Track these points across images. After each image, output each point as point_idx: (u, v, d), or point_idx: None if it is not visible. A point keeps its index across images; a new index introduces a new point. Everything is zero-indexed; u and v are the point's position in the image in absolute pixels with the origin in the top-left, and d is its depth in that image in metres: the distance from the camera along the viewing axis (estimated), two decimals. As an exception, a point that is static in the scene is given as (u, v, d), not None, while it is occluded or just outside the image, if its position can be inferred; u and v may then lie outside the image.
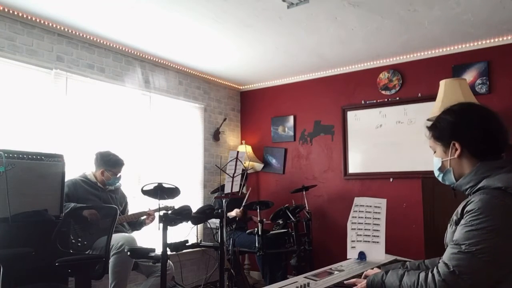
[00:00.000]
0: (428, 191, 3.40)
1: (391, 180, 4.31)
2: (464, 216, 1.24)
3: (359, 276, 1.74)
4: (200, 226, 4.61)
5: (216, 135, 5.11)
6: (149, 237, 3.66)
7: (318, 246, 4.49)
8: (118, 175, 3.33)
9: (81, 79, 3.63)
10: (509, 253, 1.16)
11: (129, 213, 3.49)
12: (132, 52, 4.08)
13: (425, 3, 3.07)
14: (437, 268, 1.22)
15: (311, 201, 4.59)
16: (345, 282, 1.62)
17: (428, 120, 1.53)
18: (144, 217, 3.43)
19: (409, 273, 1.29)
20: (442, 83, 3.48)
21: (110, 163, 3.27)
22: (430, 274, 1.22)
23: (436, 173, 1.47)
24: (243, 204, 3.97)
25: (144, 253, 2.65)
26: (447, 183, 1.45)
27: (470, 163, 1.35)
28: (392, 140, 4.30)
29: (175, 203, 3.22)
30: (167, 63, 4.46)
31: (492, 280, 1.18)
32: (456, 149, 1.36)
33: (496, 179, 1.24)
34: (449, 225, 1.35)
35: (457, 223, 1.29)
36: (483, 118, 1.35)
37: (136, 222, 3.43)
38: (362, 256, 2.15)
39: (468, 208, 1.24)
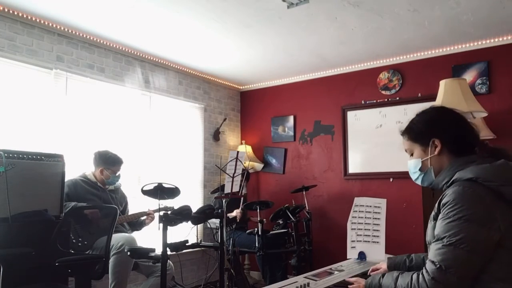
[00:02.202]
0: (428, 191, 3.38)
1: (391, 180, 4.31)
2: (441, 210, 1.28)
3: (360, 275, 1.75)
4: (200, 226, 4.61)
5: (216, 135, 5.11)
6: (149, 237, 3.65)
7: (318, 246, 4.48)
8: (117, 174, 3.32)
9: (81, 79, 3.63)
10: (487, 240, 1.20)
11: (130, 213, 3.50)
12: (132, 52, 4.08)
13: (425, 3, 3.07)
14: (426, 268, 1.24)
15: (311, 201, 4.59)
16: (346, 279, 1.63)
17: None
18: (145, 217, 3.43)
19: (403, 275, 1.33)
20: (442, 83, 3.47)
21: (109, 161, 3.27)
22: (420, 275, 1.25)
23: (415, 176, 1.50)
24: (241, 204, 3.97)
25: (144, 253, 2.65)
26: (425, 184, 1.49)
27: (448, 160, 1.40)
28: (392, 140, 4.29)
29: (175, 203, 3.22)
30: (167, 63, 4.46)
31: (476, 269, 1.21)
32: (436, 146, 1.41)
33: (468, 171, 1.29)
34: (429, 221, 1.38)
35: (435, 218, 1.33)
36: (457, 117, 1.43)
37: (136, 222, 3.43)
38: (362, 256, 2.15)
39: (443, 201, 1.28)
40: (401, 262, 1.67)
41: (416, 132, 1.47)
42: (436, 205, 1.33)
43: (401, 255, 1.74)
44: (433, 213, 1.35)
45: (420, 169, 1.46)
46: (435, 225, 1.30)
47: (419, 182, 1.50)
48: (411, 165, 1.49)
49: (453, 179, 1.32)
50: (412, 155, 1.50)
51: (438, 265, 1.21)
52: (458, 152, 1.38)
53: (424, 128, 1.45)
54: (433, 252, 1.25)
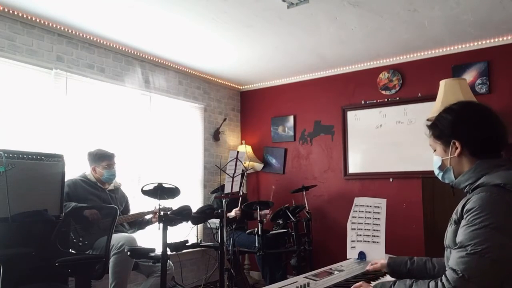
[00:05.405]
0: (428, 191, 3.40)
1: (391, 180, 4.31)
2: (465, 216, 1.23)
3: (360, 275, 1.75)
4: (200, 226, 4.61)
5: (216, 135, 5.11)
6: (149, 237, 3.66)
7: (318, 246, 4.49)
8: (111, 169, 3.29)
9: (81, 79, 3.63)
10: None
11: (131, 213, 3.50)
12: (132, 52, 4.08)
13: (425, 3, 3.07)
14: (446, 276, 1.19)
15: (311, 201, 4.59)
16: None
17: (428, 120, 1.52)
18: (150, 215, 3.43)
19: (418, 283, 1.28)
20: (442, 83, 3.48)
21: (97, 158, 3.27)
22: (440, 283, 1.20)
23: (436, 172, 1.47)
24: (239, 203, 3.96)
25: (144, 253, 2.65)
26: (446, 182, 1.45)
27: (470, 162, 1.35)
28: (392, 140, 4.30)
29: (175, 203, 3.23)
30: (167, 63, 4.46)
31: (500, 279, 1.16)
32: (456, 148, 1.36)
33: (495, 176, 1.24)
34: (449, 224, 1.34)
35: (456, 222, 1.28)
36: (483, 117, 1.36)
37: (142, 221, 3.43)
38: (362, 256, 2.15)
39: (468, 206, 1.23)
40: (402, 263, 1.63)
41: (439, 130, 1.42)
42: (459, 209, 1.28)
43: (403, 256, 1.70)
44: (454, 216, 1.31)
45: (439, 168, 1.44)
46: (456, 229, 1.26)
47: (440, 178, 1.47)
48: (434, 162, 1.46)
49: (479, 182, 1.28)
50: (435, 151, 1.46)
51: (460, 274, 1.15)
52: (480, 155, 1.33)
53: (446, 127, 1.39)
54: (455, 260, 1.19)
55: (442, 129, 1.41)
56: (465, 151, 1.36)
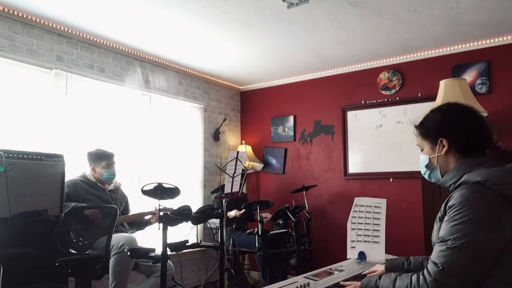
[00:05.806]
0: (428, 191, 3.39)
1: (391, 180, 4.31)
2: (447, 212, 1.28)
3: (359, 276, 1.75)
4: (200, 226, 4.61)
5: (216, 135, 5.11)
6: (149, 237, 3.66)
7: (318, 246, 4.49)
8: (111, 168, 3.29)
9: (81, 79, 3.63)
10: (492, 244, 1.19)
11: (131, 213, 3.49)
12: (132, 52, 4.08)
13: (425, 3, 3.07)
14: (427, 269, 1.24)
15: (311, 201, 4.59)
16: (341, 283, 1.63)
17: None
18: (149, 216, 3.43)
19: (402, 277, 1.32)
20: (442, 83, 3.48)
21: (96, 158, 3.27)
22: (421, 276, 1.24)
23: (423, 171, 1.51)
24: (243, 207, 3.97)
25: (144, 253, 2.65)
26: (433, 180, 1.50)
27: (455, 160, 1.40)
28: (392, 140, 4.30)
29: (175, 203, 3.22)
30: (167, 63, 4.46)
31: (479, 273, 1.20)
32: (444, 146, 1.41)
33: (476, 173, 1.28)
34: (435, 222, 1.38)
35: (441, 219, 1.32)
36: (470, 118, 1.41)
37: (141, 222, 3.43)
38: (362, 256, 2.15)
39: (450, 203, 1.28)
40: (399, 265, 1.67)
41: (427, 129, 1.47)
42: (443, 206, 1.32)
43: (399, 257, 1.74)
44: (439, 214, 1.35)
45: (426, 166, 1.48)
46: (441, 226, 1.29)
47: (426, 177, 1.51)
48: (420, 161, 1.51)
49: (461, 180, 1.32)
50: (422, 150, 1.50)
51: (440, 267, 1.20)
52: (466, 153, 1.37)
53: (434, 126, 1.44)
54: (436, 253, 1.24)
55: (430, 128, 1.46)
56: (452, 149, 1.40)
